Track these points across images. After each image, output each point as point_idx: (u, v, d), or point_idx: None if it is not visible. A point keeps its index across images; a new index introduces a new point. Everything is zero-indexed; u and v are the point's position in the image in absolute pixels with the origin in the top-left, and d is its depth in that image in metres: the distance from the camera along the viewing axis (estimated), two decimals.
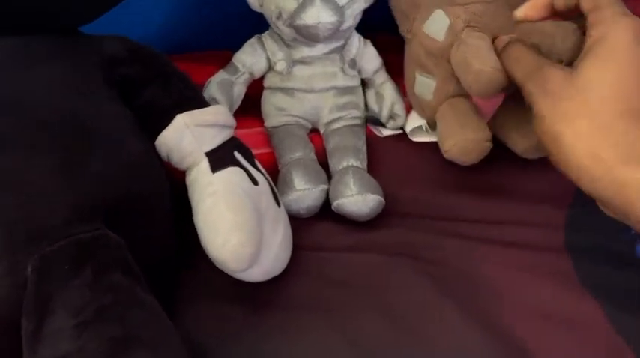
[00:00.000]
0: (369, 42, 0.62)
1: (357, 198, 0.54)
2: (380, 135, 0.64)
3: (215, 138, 0.49)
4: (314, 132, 0.64)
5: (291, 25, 0.54)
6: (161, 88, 0.49)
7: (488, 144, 0.55)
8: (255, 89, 0.65)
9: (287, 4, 0.54)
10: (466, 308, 0.50)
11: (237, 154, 0.50)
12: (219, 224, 0.44)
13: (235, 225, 0.44)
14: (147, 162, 0.48)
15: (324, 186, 0.56)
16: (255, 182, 0.49)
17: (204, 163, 0.48)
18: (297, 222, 0.56)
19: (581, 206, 0.57)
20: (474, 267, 0.53)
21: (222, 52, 0.65)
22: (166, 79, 0.50)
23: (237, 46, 0.63)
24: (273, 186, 0.53)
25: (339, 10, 0.53)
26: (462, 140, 0.54)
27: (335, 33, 0.55)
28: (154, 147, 0.49)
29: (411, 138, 0.63)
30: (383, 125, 0.64)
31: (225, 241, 0.44)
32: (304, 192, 0.54)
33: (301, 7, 0.53)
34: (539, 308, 0.50)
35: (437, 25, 0.56)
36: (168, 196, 0.49)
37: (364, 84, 0.64)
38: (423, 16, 0.57)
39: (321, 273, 0.54)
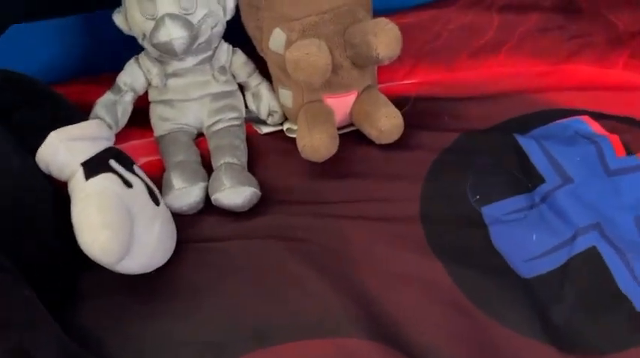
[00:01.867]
0: (238, 50, 0.69)
1: (230, 191, 0.60)
2: (260, 132, 0.70)
3: (89, 150, 0.55)
4: (202, 136, 0.70)
5: (152, 44, 0.60)
6: (34, 111, 0.55)
7: (333, 143, 0.62)
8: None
9: (146, 26, 0.60)
10: (329, 277, 0.56)
11: (112, 162, 0.56)
12: (89, 223, 0.50)
13: (103, 223, 0.50)
14: (30, 175, 0.54)
15: (203, 184, 0.62)
16: (129, 185, 0.55)
17: (80, 172, 0.54)
18: (186, 218, 0.62)
19: (434, 180, 0.63)
20: (338, 241, 0.59)
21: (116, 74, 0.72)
22: (40, 102, 0.56)
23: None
24: (153, 187, 0.59)
25: (190, 26, 0.60)
26: (310, 141, 0.61)
27: (192, 46, 0.61)
28: (33, 163, 0.55)
29: (287, 135, 0.69)
30: (264, 123, 0.71)
31: (95, 238, 0.50)
32: (183, 191, 0.60)
33: (155, 28, 0.59)
34: (393, 271, 0.56)
35: (277, 42, 0.63)
36: (51, 205, 0.55)
37: (242, 87, 0.71)
38: (267, 35, 0.64)
39: (205, 261, 0.60)
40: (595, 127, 0.66)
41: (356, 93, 0.66)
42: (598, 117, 0.67)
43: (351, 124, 0.69)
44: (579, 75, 0.73)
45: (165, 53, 0.61)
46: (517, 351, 0.50)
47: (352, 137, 0.69)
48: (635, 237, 0.57)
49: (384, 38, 0.58)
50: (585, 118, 0.68)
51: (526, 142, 0.65)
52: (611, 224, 0.57)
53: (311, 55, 0.57)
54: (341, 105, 0.66)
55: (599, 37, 0.76)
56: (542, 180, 0.62)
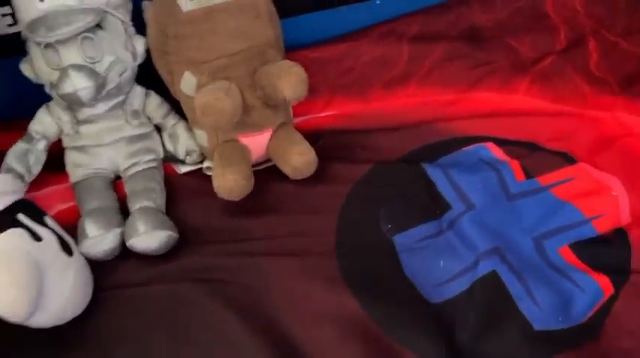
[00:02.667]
0: (152, 92, 0.69)
1: (145, 236, 0.60)
2: (179, 171, 0.71)
3: None
4: (120, 178, 0.70)
5: (58, 94, 0.61)
6: None
7: (246, 183, 0.64)
8: None
9: (52, 76, 0.61)
10: (249, 319, 0.57)
11: (20, 216, 0.56)
12: None
13: (10, 282, 0.50)
14: None
15: (118, 230, 0.62)
16: (38, 238, 0.55)
17: None
18: (104, 264, 0.62)
19: (349, 213, 0.66)
20: (255, 280, 0.61)
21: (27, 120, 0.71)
22: None
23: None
24: (66, 237, 0.58)
25: (95, 76, 0.60)
26: (223, 181, 0.63)
27: (99, 94, 0.62)
28: None
29: (206, 173, 0.70)
30: (182, 162, 0.72)
31: (1, 298, 0.49)
32: (97, 239, 0.60)
33: (60, 79, 0.59)
34: (308, 308, 0.58)
35: (188, 85, 0.65)
36: None
37: (159, 128, 0.72)
38: (178, 79, 0.66)
39: (122, 308, 0.60)
40: (498, 153, 0.70)
41: (270, 130, 0.68)
42: (501, 143, 0.72)
43: (269, 160, 0.71)
44: (484, 102, 0.77)
45: (72, 103, 0.62)
46: None
47: (270, 171, 0.70)
48: (534, 258, 0.61)
49: (289, 80, 0.60)
50: (489, 145, 0.72)
51: (433, 171, 0.68)
52: (511, 247, 0.61)
53: (218, 100, 0.59)
54: (257, 143, 0.68)
55: (502, 63, 0.80)
56: (448, 207, 0.65)
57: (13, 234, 0.54)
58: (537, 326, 0.55)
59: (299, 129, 0.71)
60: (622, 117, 0.72)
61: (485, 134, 0.73)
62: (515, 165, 0.68)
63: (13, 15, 0.69)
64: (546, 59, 0.79)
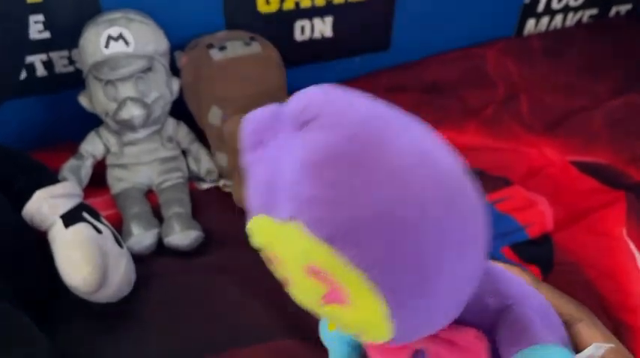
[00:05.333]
0: (182, 123, 0.86)
1: (180, 235, 0.75)
2: (200, 188, 0.87)
3: (67, 205, 0.69)
4: (151, 191, 0.85)
5: (114, 120, 0.76)
6: (23, 176, 0.68)
7: None
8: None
9: (109, 107, 0.77)
10: (267, 299, 0.72)
11: (85, 214, 0.70)
12: (74, 261, 0.63)
13: (85, 261, 0.64)
14: (16, 226, 0.66)
15: (156, 230, 0.77)
16: (99, 231, 0.69)
17: (60, 223, 0.67)
18: (143, 258, 0.76)
19: None
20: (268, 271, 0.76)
21: (73, 144, 0.86)
22: (27, 169, 0.69)
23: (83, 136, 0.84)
24: (117, 233, 0.73)
25: (146, 106, 0.77)
26: (243, 193, 0.78)
27: (147, 121, 0.78)
28: (21, 217, 0.67)
29: (224, 190, 0.86)
30: (203, 180, 0.87)
31: (78, 272, 0.63)
32: (140, 236, 0.75)
33: (119, 108, 0.76)
34: None
35: (214, 117, 0.81)
36: (34, 249, 0.67)
37: (185, 152, 0.88)
38: (206, 112, 0.82)
39: (161, 293, 0.74)
40: None
41: None
42: None
43: None
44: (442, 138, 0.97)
45: (125, 128, 0.78)
46: None
47: None
48: None
49: None
50: None
51: None
52: None
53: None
54: None
55: (456, 110, 1.01)
56: None
57: (83, 227, 0.68)
58: None
59: None
60: (546, 152, 0.93)
61: None
62: None
63: (68, 58, 0.85)
64: (489, 108, 1.01)
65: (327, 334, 0.52)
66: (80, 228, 0.67)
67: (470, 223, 0.33)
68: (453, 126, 0.98)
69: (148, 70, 0.77)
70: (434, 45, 1.09)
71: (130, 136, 0.81)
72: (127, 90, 0.76)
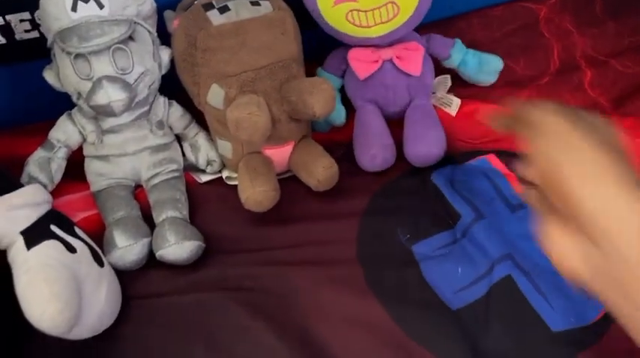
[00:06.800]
0: (174, 102, 0.70)
1: (175, 248, 0.61)
2: (200, 181, 0.72)
3: (30, 217, 0.54)
4: (141, 187, 0.70)
5: (89, 105, 0.60)
6: None
7: (275, 194, 0.65)
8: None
9: (81, 86, 0.60)
10: (278, 325, 0.59)
11: (53, 227, 0.55)
12: (37, 296, 0.49)
13: (51, 295, 0.50)
14: None
15: (146, 240, 0.62)
16: (72, 250, 0.55)
17: (20, 242, 0.53)
18: (131, 273, 0.63)
19: (368, 223, 0.68)
20: (284, 288, 0.62)
21: (47, 124, 0.70)
22: None
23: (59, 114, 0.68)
24: (96, 248, 0.58)
25: (128, 87, 0.60)
26: (252, 193, 0.64)
27: (131, 105, 0.62)
28: None
29: (227, 183, 0.71)
30: (203, 171, 0.72)
31: (43, 311, 0.49)
32: (126, 249, 0.60)
33: (92, 90, 0.59)
34: (338, 315, 0.60)
35: (216, 97, 0.65)
36: None
37: (180, 138, 0.72)
38: (204, 91, 0.66)
39: (152, 318, 0.61)
40: (498, 166, 0.74)
41: (293, 143, 0.69)
42: (501, 154, 0.75)
43: (289, 170, 0.72)
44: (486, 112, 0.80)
45: (104, 115, 0.62)
46: None
47: (290, 182, 0.72)
48: (543, 262, 0.64)
49: (320, 97, 0.62)
50: (490, 157, 0.75)
51: (441, 182, 0.71)
52: (521, 253, 0.65)
53: (252, 115, 0.60)
54: (279, 155, 0.69)
55: (499, 80, 0.85)
56: (459, 216, 0.68)
57: (50, 246, 0.54)
58: (554, 328, 0.59)
59: (318, 140, 0.73)
60: None
61: (486, 148, 0.76)
62: (512, 178, 0.72)
63: (31, 21, 0.68)
64: (542, 78, 0.84)
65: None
66: (46, 249, 0.53)
67: None
68: (495, 100, 0.82)
69: (129, 38, 0.61)
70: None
71: (110, 122, 0.65)
72: (102, 66, 0.60)
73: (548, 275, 0.63)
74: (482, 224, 0.67)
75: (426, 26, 0.85)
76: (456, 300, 0.62)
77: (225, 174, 0.72)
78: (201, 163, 0.71)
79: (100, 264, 0.57)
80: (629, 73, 0.84)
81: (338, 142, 0.77)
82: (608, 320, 0.60)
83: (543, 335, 0.59)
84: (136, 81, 0.62)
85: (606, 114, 0.79)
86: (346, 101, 0.79)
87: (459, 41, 0.80)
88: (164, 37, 0.69)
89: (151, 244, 0.63)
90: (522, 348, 0.58)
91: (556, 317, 0.59)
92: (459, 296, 0.62)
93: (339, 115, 0.77)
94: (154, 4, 0.65)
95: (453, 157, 0.76)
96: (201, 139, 0.71)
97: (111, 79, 0.59)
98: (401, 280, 0.63)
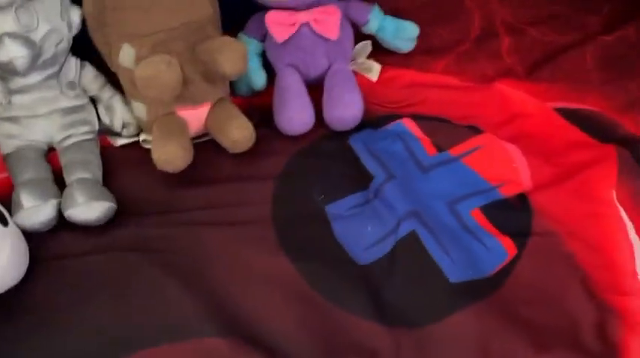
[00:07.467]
0: (87, 64, 0.69)
1: (84, 207, 0.61)
2: (115, 144, 0.72)
3: None
4: (54, 150, 0.69)
5: None
6: None
7: (185, 154, 0.65)
8: None
9: None
10: (187, 283, 0.60)
11: None
12: None
13: None
14: None
15: (55, 201, 0.62)
16: None
17: None
18: (40, 235, 0.63)
19: (284, 183, 0.70)
20: (195, 248, 0.63)
21: None
22: None
23: None
24: (1, 208, 0.58)
25: (32, 44, 0.60)
26: (163, 153, 0.64)
27: (35, 63, 0.61)
28: None
29: (143, 146, 0.72)
30: (119, 134, 0.72)
31: None
32: (33, 209, 0.60)
33: None
34: (247, 272, 0.62)
35: (127, 57, 0.65)
36: None
37: (94, 100, 0.72)
38: (116, 51, 0.66)
39: (61, 278, 0.61)
40: (413, 129, 0.76)
41: (209, 104, 0.70)
42: (417, 118, 0.77)
43: (207, 134, 0.73)
44: (403, 77, 0.82)
45: (6, 73, 0.61)
46: (353, 331, 0.57)
47: (208, 144, 0.72)
48: (449, 220, 0.67)
49: (230, 56, 0.63)
50: (405, 121, 0.77)
51: (357, 145, 0.73)
52: (428, 211, 0.67)
53: (160, 73, 0.60)
54: (195, 117, 0.70)
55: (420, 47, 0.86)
56: (372, 178, 0.70)
57: None
58: (452, 279, 0.61)
59: (238, 104, 0.73)
60: (525, 99, 0.79)
61: (402, 112, 0.78)
62: (425, 141, 0.74)
63: None
64: (462, 45, 0.86)
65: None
66: None
67: None
68: (415, 66, 0.84)
69: None
70: None
71: (18, 82, 0.64)
72: (5, 23, 0.59)
73: (450, 232, 0.66)
74: (393, 184, 0.69)
75: None
76: (364, 257, 0.64)
77: (142, 137, 0.72)
78: (117, 126, 0.71)
79: (4, 223, 0.57)
80: (545, 41, 0.87)
81: (258, 106, 0.78)
82: (504, 274, 0.63)
83: (442, 286, 0.61)
84: (41, 39, 0.61)
85: (520, 80, 0.81)
86: (268, 66, 0.80)
87: (376, 7, 0.81)
88: None
89: (59, 206, 0.63)
90: (421, 298, 0.60)
91: (455, 270, 0.62)
92: (368, 252, 0.64)
93: (260, 79, 0.78)
94: None
95: (371, 121, 0.78)
96: (116, 102, 0.71)
97: (12, 35, 0.58)
98: (312, 239, 0.65)
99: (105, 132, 0.72)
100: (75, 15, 0.66)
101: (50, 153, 0.69)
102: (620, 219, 0.65)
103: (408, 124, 0.77)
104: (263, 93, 0.79)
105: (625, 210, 0.66)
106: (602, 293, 0.60)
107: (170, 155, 0.64)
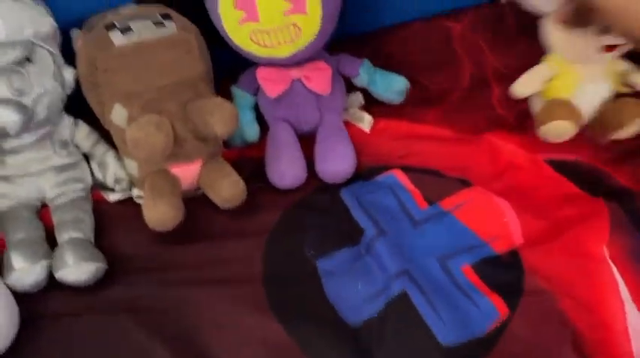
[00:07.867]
0: (80, 121, 0.70)
1: (73, 269, 0.61)
2: (109, 199, 0.72)
3: None
4: (47, 207, 0.70)
5: None
6: None
7: (177, 214, 0.66)
8: None
9: None
10: (178, 347, 0.60)
11: None
12: None
13: None
14: None
15: (46, 262, 0.62)
16: None
17: None
18: (33, 295, 0.62)
19: (276, 240, 0.70)
20: (183, 308, 0.63)
21: None
22: None
23: None
24: None
25: (24, 109, 0.60)
26: (155, 213, 0.65)
27: (28, 126, 0.62)
28: None
29: (136, 201, 0.72)
30: (112, 190, 0.73)
31: None
32: (23, 271, 0.60)
33: None
34: (235, 334, 0.61)
35: (119, 117, 0.66)
36: None
37: (87, 156, 0.72)
38: (109, 109, 0.67)
39: (51, 339, 0.60)
40: (404, 181, 0.76)
41: (201, 161, 0.70)
42: (408, 170, 0.77)
43: (199, 188, 0.73)
44: (397, 128, 0.83)
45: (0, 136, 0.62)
46: None
47: (200, 200, 0.73)
48: (440, 277, 0.67)
49: (221, 117, 0.63)
50: (396, 172, 0.77)
51: (348, 199, 0.73)
52: (419, 268, 0.67)
53: (149, 135, 0.61)
54: (187, 173, 0.70)
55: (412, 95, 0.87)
56: (362, 232, 0.70)
57: None
58: (444, 342, 0.61)
59: (227, 158, 0.74)
60: (515, 151, 0.80)
61: (393, 163, 0.78)
62: (416, 194, 0.74)
63: None
64: (453, 94, 0.87)
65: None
66: None
67: None
68: (407, 117, 0.84)
69: (27, 60, 0.61)
70: (388, 13, 0.92)
71: (11, 142, 0.65)
72: None
73: (442, 290, 0.66)
74: (384, 240, 0.69)
75: (343, 41, 0.87)
76: (353, 316, 0.63)
77: (135, 193, 0.72)
78: (109, 182, 0.71)
79: None
80: None
81: (250, 159, 0.78)
82: (496, 335, 0.63)
83: (433, 348, 0.61)
84: (33, 101, 0.62)
85: (511, 131, 0.82)
86: (261, 118, 0.81)
87: (366, 61, 0.82)
88: (72, 55, 0.69)
89: (50, 266, 0.63)
90: None
91: (446, 331, 0.61)
92: (359, 312, 0.64)
93: (253, 132, 0.79)
94: (54, 24, 0.65)
95: (362, 173, 0.78)
96: (109, 158, 0.71)
97: (4, 101, 0.59)
98: (301, 297, 0.65)
99: (98, 186, 0.72)
100: (69, 74, 0.67)
101: (43, 209, 0.69)
102: (611, 276, 0.65)
103: (399, 176, 0.77)
104: (256, 145, 0.80)
105: (616, 266, 0.66)
106: (593, 356, 0.60)
107: (161, 215, 0.64)
